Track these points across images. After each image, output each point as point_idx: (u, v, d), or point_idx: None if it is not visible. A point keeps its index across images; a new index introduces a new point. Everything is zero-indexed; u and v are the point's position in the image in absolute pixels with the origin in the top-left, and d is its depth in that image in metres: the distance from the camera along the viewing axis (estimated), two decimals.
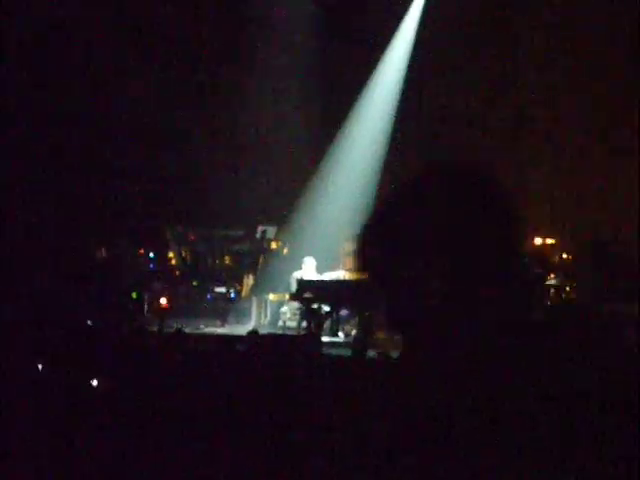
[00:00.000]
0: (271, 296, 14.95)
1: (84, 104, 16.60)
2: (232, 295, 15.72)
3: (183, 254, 16.77)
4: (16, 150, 16.09)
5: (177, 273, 16.58)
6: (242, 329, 12.98)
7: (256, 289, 15.40)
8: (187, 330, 11.98)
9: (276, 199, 16.80)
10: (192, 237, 16.83)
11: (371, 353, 9.24)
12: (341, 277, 14.34)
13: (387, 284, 2.42)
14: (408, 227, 2.33)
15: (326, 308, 13.96)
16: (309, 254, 14.45)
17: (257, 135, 17.04)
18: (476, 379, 2.08)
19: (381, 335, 14.02)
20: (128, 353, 7.75)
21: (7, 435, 6.29)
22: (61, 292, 14.56)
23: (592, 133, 16.24)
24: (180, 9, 16.80)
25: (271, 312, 15.04)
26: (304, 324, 14.03)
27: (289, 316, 14.76)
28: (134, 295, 15.17)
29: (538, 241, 16.09)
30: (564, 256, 15.73)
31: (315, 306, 13.85)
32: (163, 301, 15.21)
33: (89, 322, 11.50)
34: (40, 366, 7.39)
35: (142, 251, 16.43)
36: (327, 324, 14.04)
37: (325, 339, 12.96)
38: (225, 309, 15.33)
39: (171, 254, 16.74)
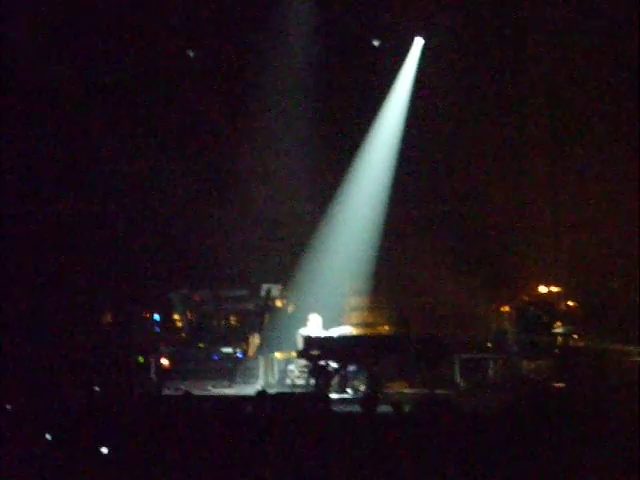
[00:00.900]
0: (278, 354, 14.88)
1: (84, 165, 16.76)
2: (239, 355, 15.64)
3: (189, 316, 16.74)
4: (20, 214, 16.20)
5: (183, 335, 16.52)
6: (250, 389, 12.92)
7: (262, 348, 15.32)
8: (195, 392, 11.93)
9: (279, 257, 16.81)
10: (197, 298, 16.81)
11: (382, 408, 9.16)
12: (348, 332, 14.28)
13: None
14: None
15: (334, 364, 13.88)
16: (314, 310, 14.40)
17: (259, 194, 17.11)
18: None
19: (391, 389, 13.96)
20: (136, 420, 7.70)
21: None
22: (68, 358, 14.52)
23: (596, 182, 16.29)
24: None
25: (279, 370, 14.95)
26: (312, 381, 13.95)
27: (297, 374, 14.68)
28: (140, 359, 15.11)
29: (543, 289, 16.08)
30: (570, 304, 15.71)
31: (322, 363, 13.78)
32: (164, 362, 15.17)
33: (96, 388, 11.44)
34: (49, 437, 7.35)
35: (148, 314, 16.40)
36: (335, 380, 13.95)
37: (334, 396, 12.87)
38: (232, 369, 15.25)
39: (176, 316, 16.71)
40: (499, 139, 16.77)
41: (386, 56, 16.94)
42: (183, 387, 13.14)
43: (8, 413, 8.19)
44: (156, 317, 16.49)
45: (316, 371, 13.80)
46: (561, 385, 13.43)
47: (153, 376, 14.97)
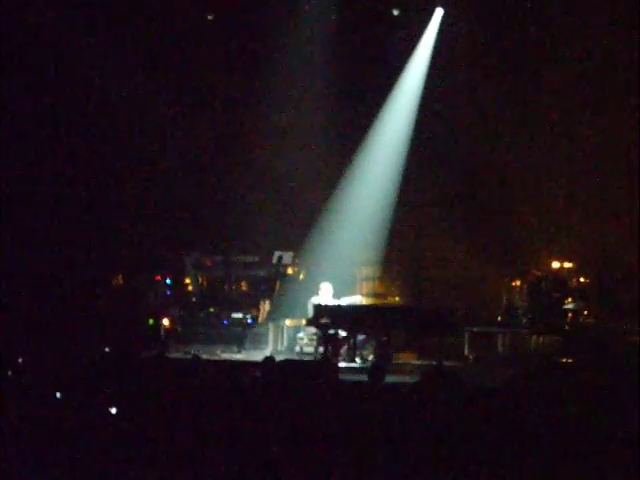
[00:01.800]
0: (288, 322, 14.93)
1: (104, 131, 16.75)
2: (249, 321, 15.70)
3: (200, 281, 16.79)
4: (37, 177, 16.21)
5: (194, 299, 16.59)
6: (259, 355, 12.96)
7: (273, 315, 15.38)
8: (204, 356, 12.00)
9: (292, 225, 16.82)
10: (209, 264, 16.86)
11: (389, 378, 9.19)
12: (358, 302, 14.31)
13: None
14: None
15: (343, 333, 13.92)
16: (326, 279, 14.44)
17: (273, 161, 17.08)
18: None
19: (399, 360, 14.00)
20: (146, 381, 7.76)
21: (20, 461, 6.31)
22: (79, 320, 14.60)
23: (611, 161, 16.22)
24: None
25: (288, 338, 15.01)
26: (321, 350, 14.00)
27: (306, 342, 14.73)
28: (150, 322, 15.20)
29: (556, 264, 16.04)
30: (581, 280, 15.68)
31: (332, 331, 13.83)
32: (166, 322, 15.24)
33: (107, 349, 11.53)
34: (59, 394, 7.40)
35: (159, 278, 16.46)
36: (344, 350, 14.00)
37: (342, 365, 12.92)
38: (242, 335, 15.31)
39: (188, 280, 16.76)
40: (515, 111, 16.67)
41: (406, 26, 16.84)
42: (192, 351, 13.21)
43: (18, 369, 8.26)
44: (167, 281, 16.57)
45: (325, 339, 13.86)
46: (569, 361, 13.45)
47: (163, 339, 15.08)
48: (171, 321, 15.29)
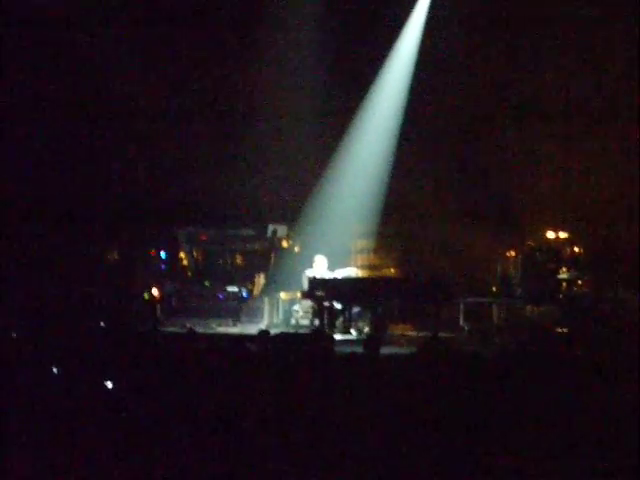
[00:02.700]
0: (283, 295, 14.96)
1: (96, 107, 16.69)
2: (244, 294, 15.72)
3: (195, 254, 16.78)
4: (28, 152, 16.17)
5: (189, 273, 16.59)
6: (254, 328, 13.00)
7: (268, 288, 15.40)
8: (199, 330, 12.02)
9: (287, 198, 16.80)
10: (203, 237, 16.84)
11: (385, 350, 9.21)
12: (353, 274, 14.33)
13: None
14: None
15: (338, 306, 13.96)
16: (320, 252, 14.45)
17: (267, 134, 17.03)
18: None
19: (394, 331, 14.05)
20: (142, 355, 7.77)
21: (17, 435, 6.32)
22: (73, 294, 14.61)
23: (605, 130, 16.21)
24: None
25: (283, 311, 15.04)
26: (316, 322, 14.04)
27: (301, 314, 14.77)
28: (146, 296, 15.21)
29: (551, 235, 16.06)
30: (576, 250, 15.70)
31: (327, 304, 13.86)
32: (155, 292, 15.26)
33: (102, 324, 11.53)
34: (55, 369, 7.41)
35: (153, 252, 16.46)
36: (339, 322, 14.04)
37: (338, 337, 12.96)
38: (237, 308, 15.35)
39: (182, 254, 16.75)
40: (507, 84, 16.64)
41: (394, 8, 16.76)
42: (188, 324, 13.24)
43: (14, 343, 8.27)
44: (162, 254, 16.57)
45: (321, 312, 13.89)
46: (564, 330, 13.50)
47: (159, 315, 15.12)
48: (160, 291, 15.31)
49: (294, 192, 16.89)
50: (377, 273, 14.53)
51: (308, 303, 14.39)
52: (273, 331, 10.06)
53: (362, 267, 14.60)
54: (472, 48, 16.50)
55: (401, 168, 16.77)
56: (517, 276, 15.09)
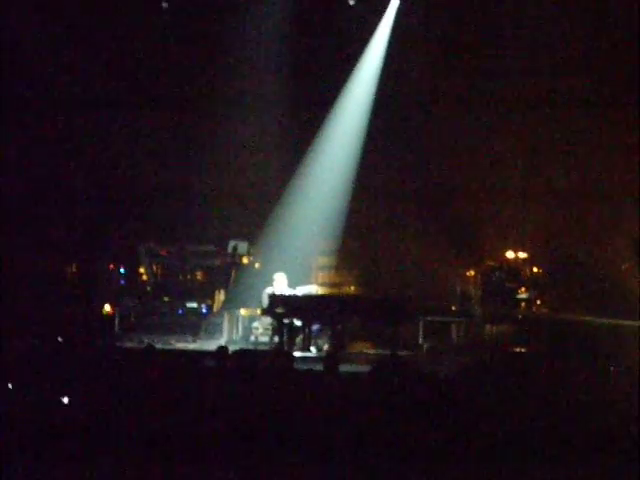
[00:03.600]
0: (243, 311, 14.93)
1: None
2: (204, 310, 15.67)
3: (154, 269, 16.69)
4: None
5: (148, 289, 16.49)
6: (213, 344, 12.92)
7: (228, 304, 15.37)
8: (158, 346, 11.93)
9: (247, 214, 16.77)
10: (163, 252, 16.76)
11: (344, 367, 9.21)
12: (313, 292, 14.32)
13: None
14: None
15: (298, 323, 13.95)
16: (281, 269, 14.44)
17: (229, 150, 17.00)
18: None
19: (353, 349, 14.06)
20: (99, 370, 7.71)
21: None
22: (30, 308, 14.47)
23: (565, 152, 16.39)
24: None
25: (243, 327, 15.00)
26: (276, 339, 14.01)
27: (261, 331, 14.74)
28: (104, 311, 15.11)
29: (510, 255, 16.17)
30: (535, 270, 15.83)
31: (287, 321, 13.84)
32: (107, 307, 15.18)
33: (59, 339, 11.42)
34: (10, 385, 7.33)
35: (113, 267, 16.37)
36: (299, 339, 14.03)
37: (297, 354, 12.93)
38: (196, 324, 15.28)
39: (142, 270, 16.65)
40: (472, 103, 16.75)
41: (361, 16, 16.83)
42: (146, 340, 13.15)
43: None
44: (122, 270, 16.47)
45: (280, 329, 13.87)
46: (522, 350, 13.57)
47: (117, 328, 15.02)
48: (113, 307, 15.22)
49: (255, 208, 16.87)
50: (337, 291, 14.53)
51: (268, 320, 14.36)
52: (232, 347, 10.01)
53: (322, 284, 14.60)
54: (437, 60, 16.60)
55: (363, 186, 16.81)
56: (476, 295, 15.18)
